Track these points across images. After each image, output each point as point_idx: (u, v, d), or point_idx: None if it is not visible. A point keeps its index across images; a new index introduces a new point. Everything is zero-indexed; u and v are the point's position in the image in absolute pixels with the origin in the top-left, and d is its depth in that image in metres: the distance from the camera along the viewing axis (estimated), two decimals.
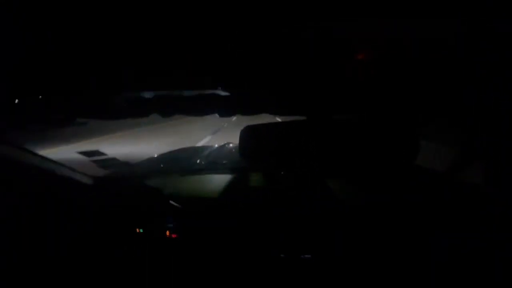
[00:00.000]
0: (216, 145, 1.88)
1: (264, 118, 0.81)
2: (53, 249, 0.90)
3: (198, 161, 1.51)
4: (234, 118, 8.53)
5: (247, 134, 0.76)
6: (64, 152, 5.11)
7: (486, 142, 0.79)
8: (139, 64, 0.67)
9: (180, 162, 1.61)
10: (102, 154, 1.33)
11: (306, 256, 0.83)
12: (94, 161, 1.31)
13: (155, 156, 1.78)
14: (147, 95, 0.83)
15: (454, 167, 1.01)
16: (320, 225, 0.87)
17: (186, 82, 0.75)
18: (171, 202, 1.00)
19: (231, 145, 1.82)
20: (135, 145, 6.34)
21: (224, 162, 1.47)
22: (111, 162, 1.34)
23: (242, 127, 0.79)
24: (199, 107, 0.88)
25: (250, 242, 0.87)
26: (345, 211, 0.90)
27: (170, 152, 1.86)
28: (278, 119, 0.91)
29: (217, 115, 0.88)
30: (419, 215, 0.86)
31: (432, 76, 0.55)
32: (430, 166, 1.17)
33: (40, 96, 0.80)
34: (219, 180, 1.18)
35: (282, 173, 1.18)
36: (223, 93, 0.80)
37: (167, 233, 0.92)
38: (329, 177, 1.10)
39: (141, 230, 0.93)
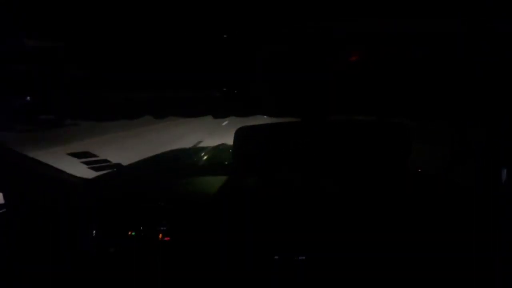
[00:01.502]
0: (211, 146, 1.87)
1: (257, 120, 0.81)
2: (43, 249, 0.88)
3: (192, 162, 1.49)
4: (225, 123, 8.13)
5: (242, 135, 0.75)
6: (54, 154, 4.99)
7: (483, 142, 0.80)
8: (132, 65, 0.65)
9: (174, 164, 1.59)
10: (93, 155, 1.30)
11: (301, 257, 0.82)
12: (85, 163, 1.28)
13: (148, 157, 1.75)
14: (140, 96, 0.81)
15: (448, 167, 1.02)
16: (314, 226, 0.87)
17: (180, 83, 0.74)
18: (164, 204, 0.99)
19: (225, 146, 1.81)
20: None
21: (218, 163, 1.45)
22: (103, 164, 1.32)
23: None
24: (192, 108, 0.87)
25: (243, 244, 0.87)
26: (339, 212, 0.90)
27: (163, 154, 1.83)
28: (273, 121, 0.90)
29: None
30: (413, 216, 0.87)
31: (428, 77, 0.55)
32: (425, 167, 1.18)
33: (30, 96, 0.78)
34: (213, 181, 1.17)
35: (276, 173, 1.18)
36: (217, 94, 0.79)
37: (160, 236, 0.90)
38: (323, 178, 1.10)
39: (133, 233, 0.92)
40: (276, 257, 0.83)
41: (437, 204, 0.91)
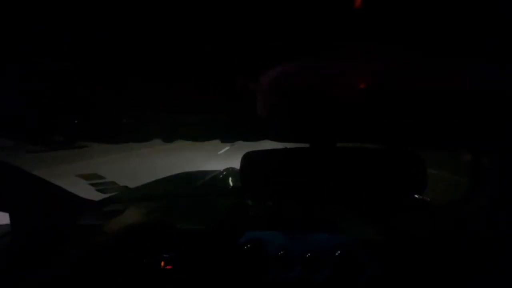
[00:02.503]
0: (217, 170, 1.86)
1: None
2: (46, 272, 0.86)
3: (198, 186, 1.48)
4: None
5: (248, 161, 0.74)
6: (64, 174, 5.05)
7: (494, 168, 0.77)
8: (142, 89, 0.67)
9: (180, 187, 1.58)
10: (101, 177, 1.31)
11: None
12: (92, 185, 1.29)
13: (154, 180, 1.76)
14: (149, 119, 0.83)
15: (460, 196, 0.99)
16: (323, 256, 0.83)
17: (188, 108, 0.75)
18: (168, 230, 0.97)
19: (232, 170, 1.80)
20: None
21: (225, 187, 1.44)
22: (110, 186, 1.32)
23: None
24: (201, 133, 0.88)
25: (251, 273, 0.83)
26: (349, 242, 0.86)
27: (169, 176, 1.83)
28: (280, 146, 0.90)
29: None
30: (427, 248, 0.82)
31: (440, 105, 0.55)
32: (435, 196, 1.14)
33: (43, 118, 0.80)
34: (219, 206, 1.15)
35: (284, 201, 1.15)
36: (225, 119, 0.80)
37: (162, 263, 0.87)
38: (332, 206, 1.07)
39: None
40: None
41: (449, 235, 0.87)
